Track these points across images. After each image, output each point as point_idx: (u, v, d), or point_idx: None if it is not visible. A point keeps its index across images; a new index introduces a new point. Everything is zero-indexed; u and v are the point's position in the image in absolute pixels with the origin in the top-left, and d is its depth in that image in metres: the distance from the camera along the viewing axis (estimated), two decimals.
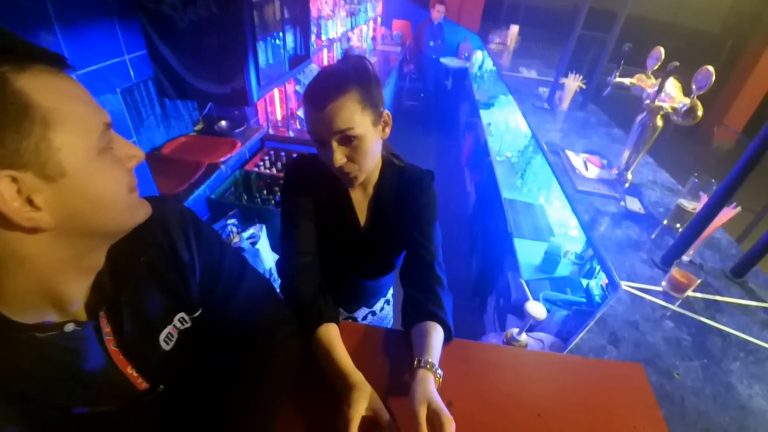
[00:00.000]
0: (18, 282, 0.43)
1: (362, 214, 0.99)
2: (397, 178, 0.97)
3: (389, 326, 1.43)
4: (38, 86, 0.39)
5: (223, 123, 2.17)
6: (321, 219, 0.95)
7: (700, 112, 1.45)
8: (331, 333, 0.81)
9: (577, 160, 1.94)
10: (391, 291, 1.37)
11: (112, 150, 0.47)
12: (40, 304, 0.47)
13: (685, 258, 1.28)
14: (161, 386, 0.59)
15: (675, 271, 1.18)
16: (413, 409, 0.66)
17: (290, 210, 0.93)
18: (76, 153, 0.41)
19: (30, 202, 0.39)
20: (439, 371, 0.74)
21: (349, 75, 0.78)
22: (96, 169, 0.44)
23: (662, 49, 1.69)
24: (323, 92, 0.76)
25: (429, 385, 0.70)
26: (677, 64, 1.52)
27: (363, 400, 0.68)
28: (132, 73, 1.33)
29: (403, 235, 0.98)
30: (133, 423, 0.58)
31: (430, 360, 0.74)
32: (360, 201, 0.98)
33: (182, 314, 0.64)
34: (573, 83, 2.73)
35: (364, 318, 1.28)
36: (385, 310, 1.35)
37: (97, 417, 0.52)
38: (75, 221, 0.44)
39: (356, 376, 0.73)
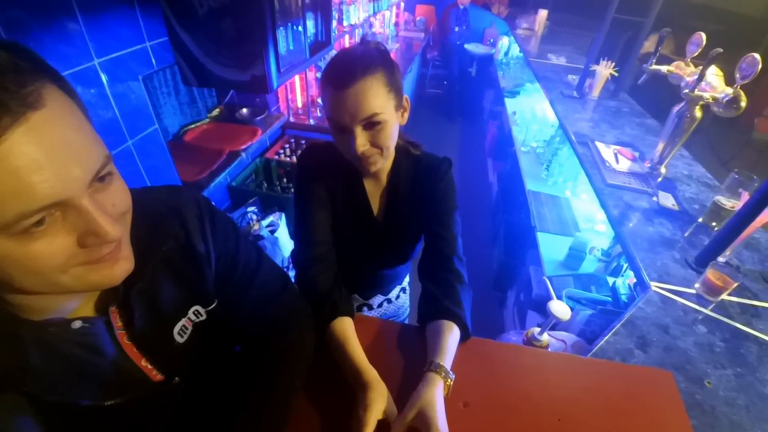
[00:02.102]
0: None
1: (376, 203, 0.97)
2: (412, 166, 0.94)
3: (406, 315, 1.42)
4: None
5: (245, 110, 2.18)
6: (335, 208, 0.94)
7: (743, 103, 1.36)
8: (346, 327, 0.80)
9: (607, 151, 1.86)
10: (407, 279, 1.35)
11: (61, 222, 0.38)
12: (42, 306, 0.46)
13: (720, 259, 1.21)
14: (176, 378, 0.59)
15: (710, 273, 1.11)
16: (403, 411, 0.66)
17: (304, 199, 0.92)
18: None
19: None
20: (451, 374, 0.72)
21: (374, 56, 0.74)
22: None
23: (704, 35, 1.58)
24: (349, 70, 0.71)
25: (433, 390, 0.68)
26: (720, 50, 1.42)
27: (379, 403, 0.67)
28: (153, 60, 1.33)
29: (419, 225, 0.96)
30: (148, 415, 0.58)
31: (441, 363, 0.72)
32: (374, 190, 0.96)
33: (197, 307, 0.63)
34: (605, 70, 2.60)
35: (380, 305, 1.27)
36: (401, 298, 1.34)
37: (112, 409, 0.52)
38: None
39: (371, 373, 0.72)
